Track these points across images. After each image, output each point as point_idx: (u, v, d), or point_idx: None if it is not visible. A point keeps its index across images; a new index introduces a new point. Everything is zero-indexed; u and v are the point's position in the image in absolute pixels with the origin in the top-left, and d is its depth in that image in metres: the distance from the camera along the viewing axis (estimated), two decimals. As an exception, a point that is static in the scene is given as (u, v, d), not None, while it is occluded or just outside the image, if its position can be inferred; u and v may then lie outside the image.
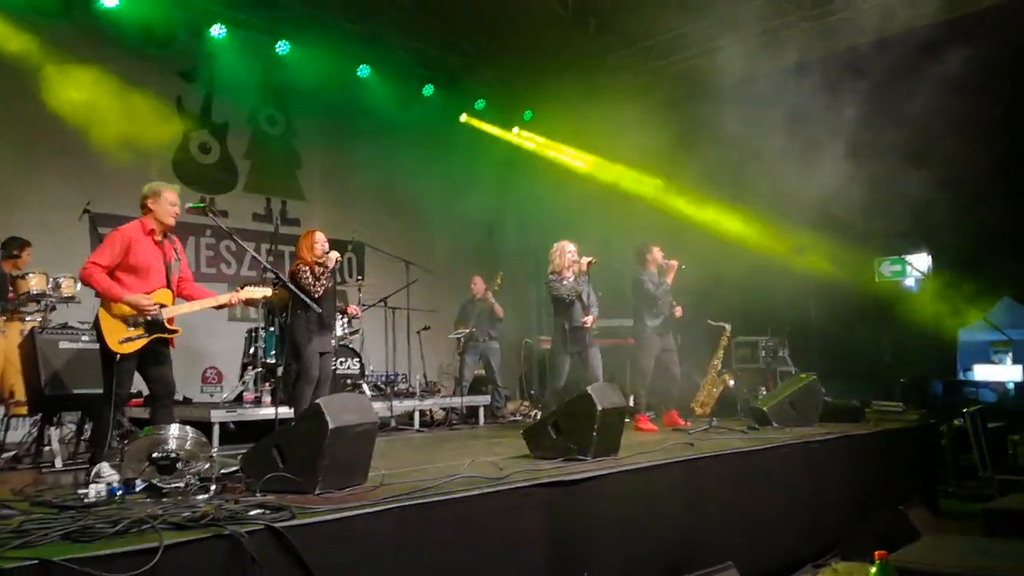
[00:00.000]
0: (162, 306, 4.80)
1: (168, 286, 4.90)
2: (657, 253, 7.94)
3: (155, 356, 4.84)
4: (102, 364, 4.72)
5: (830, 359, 8.88)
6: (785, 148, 8.64)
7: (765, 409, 7.09)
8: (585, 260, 7.27)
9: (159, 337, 4.81)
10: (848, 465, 6.38)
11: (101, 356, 4.72)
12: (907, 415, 8.01)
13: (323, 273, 6.43)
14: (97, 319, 4.74)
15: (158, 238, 4.93)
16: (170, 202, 4.94)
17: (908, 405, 8.17)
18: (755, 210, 9.91)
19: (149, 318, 4.73)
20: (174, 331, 4.87)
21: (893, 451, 7.03)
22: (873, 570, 2.89)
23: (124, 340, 4.66)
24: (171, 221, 4.96)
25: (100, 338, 4.69)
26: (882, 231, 9.62)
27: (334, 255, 6.51)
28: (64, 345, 5.37)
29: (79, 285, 6.42)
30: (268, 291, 5.33)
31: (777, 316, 9.61)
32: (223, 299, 5.10)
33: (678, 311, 7.86)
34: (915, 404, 8.28)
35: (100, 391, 5.14)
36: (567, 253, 7.30)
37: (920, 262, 9.72)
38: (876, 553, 2.82)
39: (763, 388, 9.00)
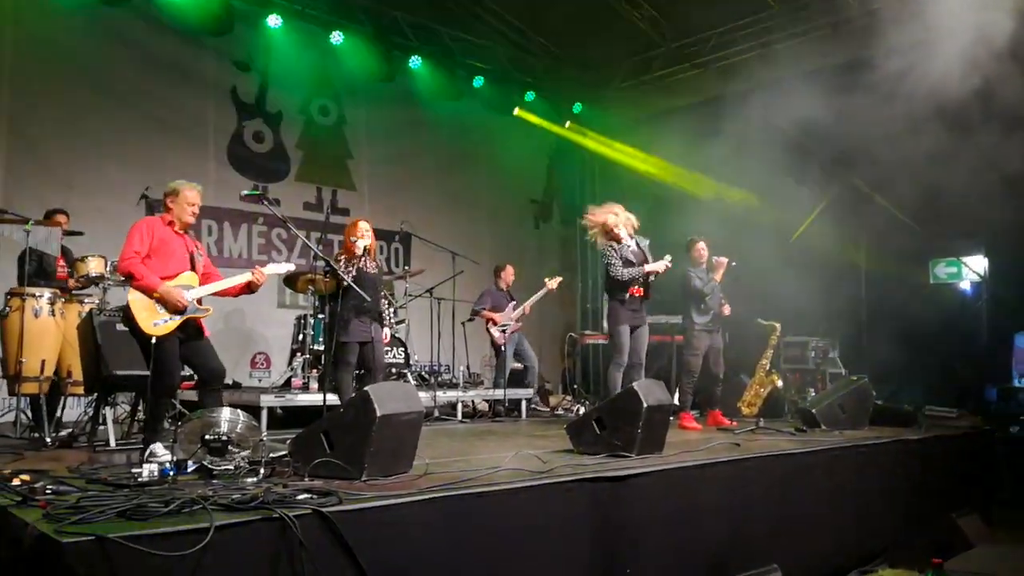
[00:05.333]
0: (189, 288, 4.87)
1: (192, 269, 4.97)
2: (701, 248, 7.79)
3: (192, 340, 4.89)
4: (141, 349, 4.76)
5: (881, 362, 8.70)
6: (840, 146, 8.44)
7: (814, 411, 6.95)
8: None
9: (192, 320, 4.85)
10: (898, 470, 6.25)
11: (138, 342, 4.76)
12: (961, 421, 7.82)
13: (359, 261, 6.43)
14: (128, 305, 4.74)
15: (178, 230, 5.02)
16: (188, 201, 4.99)
17: (962, 411, 7.98)
18: (807, 208, 9.75)
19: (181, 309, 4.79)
20: (205, 310, 4.92)
21: (945, 457, 6.86)
22: (927, 577, 2.84)
23: (157, 323, 4.70)
24: (189, 219, 5.03)
25: (132, 323, 4.71)
26: (937, 231, 9.36)
27: (361, 243, 6.43)
28: (120, 327, 5.44)
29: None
30: (291, 266, 5.35)
31: (828, 316, 9.42)
32: (243, 278, 5.12)
33: (726, 309, 7.75)
34: (969, 410, 8.09)
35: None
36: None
37: (977, 264, 9.47)
38: (933, 560, 2.76)
39: (812, 389, 8.86)
